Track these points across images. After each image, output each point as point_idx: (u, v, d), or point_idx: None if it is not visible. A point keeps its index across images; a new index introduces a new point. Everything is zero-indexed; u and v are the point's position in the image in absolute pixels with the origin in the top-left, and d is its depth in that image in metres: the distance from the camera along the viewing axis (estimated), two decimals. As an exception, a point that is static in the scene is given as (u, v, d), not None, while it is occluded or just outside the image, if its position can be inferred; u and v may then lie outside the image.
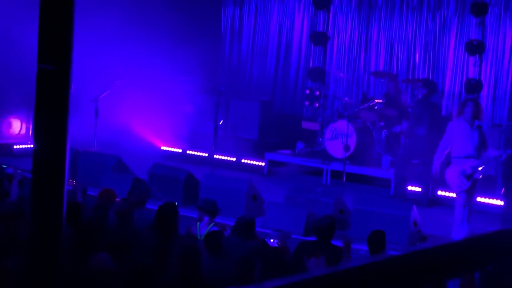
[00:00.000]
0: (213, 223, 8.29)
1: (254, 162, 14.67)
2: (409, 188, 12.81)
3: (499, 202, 11.56)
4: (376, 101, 13.95)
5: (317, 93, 16.00)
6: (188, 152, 15.33)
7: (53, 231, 4.29)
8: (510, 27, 14.48)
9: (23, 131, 15.59)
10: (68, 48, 4.01)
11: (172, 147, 15.54)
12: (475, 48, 14.44)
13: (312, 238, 8.11)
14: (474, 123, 9.82)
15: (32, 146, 4.79)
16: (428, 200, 12.52)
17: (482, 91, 14.54)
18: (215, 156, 13.37)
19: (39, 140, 4.31)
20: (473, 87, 14.41)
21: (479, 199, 11.91)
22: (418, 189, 12.77)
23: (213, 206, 8.52)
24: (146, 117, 15.74)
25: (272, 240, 7.80)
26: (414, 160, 12.80)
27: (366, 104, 14.03)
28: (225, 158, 14.66)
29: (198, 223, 8.40)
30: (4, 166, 11.18)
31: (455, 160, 9.87)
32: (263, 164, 14.54)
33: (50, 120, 4.21)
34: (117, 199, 8.73)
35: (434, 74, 15.30)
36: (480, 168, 9.67)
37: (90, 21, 14.58)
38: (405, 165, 12.70)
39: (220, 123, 14.01)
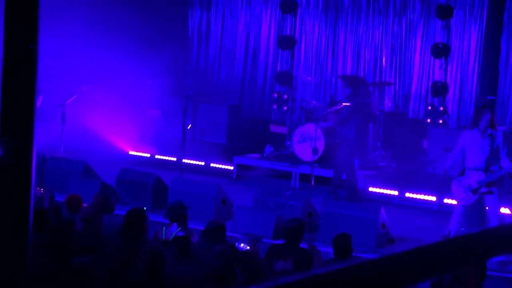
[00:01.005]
0: (179, 229, 8.25)
1: (223, 166, 14.64)
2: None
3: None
4: (343, 104, 14.00)
5: (285, 96, 16.04)
6: (156, 156, 15.26)
7: (21, 237, 4.25)
8: (475, 30, 14.63)
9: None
10: (34, 48, 3.97)
11: (140, 151, 15.46)
12: (441, 51, 14.57)
13: (282, 241, 8.12)
14: (487, 131, 9.42)
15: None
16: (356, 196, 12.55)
17: (448, 94, 14.68)
18: (183, 160, 13.32)
19: (5, 145, 4.27)
20: (439, 89, 14.54)
21: (446, 200, 12.02)
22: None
23: (180, 211, 8.43)
24: (114, 122, 15.65)
25: (242, 245, 7.80)
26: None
27: (333, 107, 14.09)
28: (194, 162, 14.61)
29: (164, 228, 8.35)
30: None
31: (466, 172, 9.61)
32: (231, 168, 14.52)
33: (16, 125, 4.17)
34: (85, 205, 8.68)
35: (401, 77, 15.42)
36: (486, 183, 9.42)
37: (56, 25, 14.49)
38: (340, 169, 12.83)
39: (188, 127, 13.96)
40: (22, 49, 4.07)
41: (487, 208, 9.72)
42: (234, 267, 6.29)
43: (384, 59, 15.57)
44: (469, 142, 9.52)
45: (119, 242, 7.14)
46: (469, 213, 10.29)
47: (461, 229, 9.58)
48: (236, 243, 7.60)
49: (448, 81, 14.69)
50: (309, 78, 16.05)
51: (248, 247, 7.69)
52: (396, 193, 12.79)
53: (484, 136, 9.44)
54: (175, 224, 8.32)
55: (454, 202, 10.28)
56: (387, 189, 12.86)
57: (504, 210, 10.91)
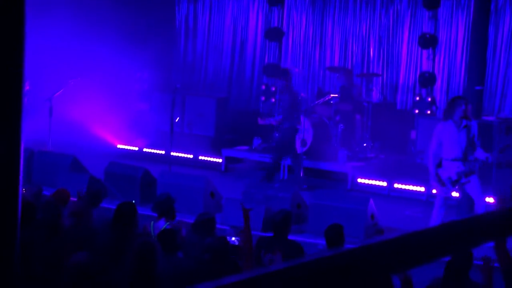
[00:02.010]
0: (168, 223, 8.22)
1: (211, 159, 14.63)
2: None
3: (455, 194, 11.69)
4: (331, 95, 14.01)
5: (273, 88, 16.02)
6: (144, 150, 15.23)
7: (9, 234, 4.22)
8: (462, 20, 14.66)
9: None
10: (21, 42, 3.94)
11: (128, 145, 15.43)
12: (428, 41, 14.59)
13: (270, 234, 8.11)
14: (462, 123, 9.49)
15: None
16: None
17: (436, 84, 14.70)
18: (172, 153, 13.30)
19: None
20: (427, 80, 14.56)
21: (435, 191, 12.04)
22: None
23: (167, 205, 8.38)
24: (102, 115, 15.60)
25: (233, 239, 7.79)
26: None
27: (322, 99, 14.09)
28: (182, 155, 14.60)
29: (152, 222, 8.31)
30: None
31: (444, 163, 9.65)
32: (220, 160, 14.51)
33: (3, 119, 4.14)
34: (72, 199, 8.64)
35: (389, 68, 15.43)
36: (466, 174, 9.49)
37: (42, 19, 14.42)
38: (279, 155, 13.14)
39: (177, 120, 13.94)
40: (7, 43, 4.05)
41: (472, 197, 9.77)
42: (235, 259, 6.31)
43: (371, 50, 15.58)
44: (445, 134, 9.57)
45: (109, 236, 7.12)
46: (457, 203, 10.35)
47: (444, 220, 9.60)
48: (228, 237, 7.59)
49: (435, 71, 14.71)
50: (296, 69, 16.04)
51: (239, 241, 7.67)
52: (384, 184, 12.82)
53: (460, 128, 9.49)
54: (163, 218, 8.28)
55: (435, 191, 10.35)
56: (375, 180, 12.89)
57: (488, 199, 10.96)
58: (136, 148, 15.31)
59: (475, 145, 9.57)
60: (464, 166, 9.51)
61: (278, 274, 1.60)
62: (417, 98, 14.66)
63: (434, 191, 11.18)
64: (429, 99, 14.51)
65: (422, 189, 12.40)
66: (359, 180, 13.02)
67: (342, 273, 1.71)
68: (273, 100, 15.89)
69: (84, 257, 5.72)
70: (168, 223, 8.20)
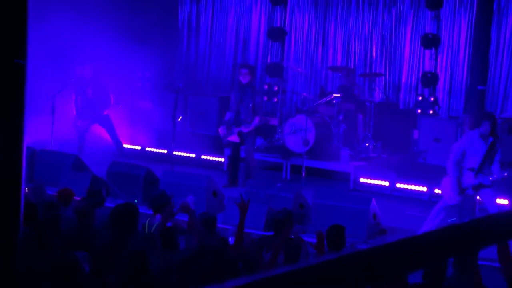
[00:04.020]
0: (164, 219, 8.17)
1: (214, 158, 14.64)
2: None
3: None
4: (334, 95, 14.01)
5: (276, 88, 16.03)
6: (147, 149, 15.24)
7: (11, 232, 4.23)
8: (465, 20, 14.66)
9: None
10: (24, 41, 3.96)
11: (130, 144, 15.43)
12: (431, 41, 14.58)
13: (272, 233, 8.12)
14: (489, 139, 9.45)
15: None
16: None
17: (438, 84, 14.70)
18: (174, 152, 13.31)
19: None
20: (430, 80, 14.56)
21: (437, 191, 12.04)
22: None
23: (161, 200, 8.33)
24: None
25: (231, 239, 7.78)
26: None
27: (324, 99, 14.09)
28: (185, 154, 14.61)
29: (148, 220, 8.30)
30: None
31: (461, 171, 9.61)
32: (222, 160, 14.51)
33: (6, 118, 4.15)
34: (76, 198, 8.64)
35: (391, 67, 15.43)
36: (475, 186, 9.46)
37: (44, 18, 14.43)
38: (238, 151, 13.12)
39: (179, 120, 13.94)
40: (10, 43, 4.05)
41: (484, 202, 9.73)
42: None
43: (374, 50, 15.58)
44: (470, 145, 9.49)
45: (107, 236, 7.11)
46: (460, 205, 10.32)
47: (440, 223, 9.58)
48: (230, 238, 7.60)
49: (438, 71, 14.70)
50: (299, 69, 16.05)
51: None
52: (387, 183, 12.82)
53: (486, 142, 9.44)
54: (158, 216, 8.24)
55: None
56: (378, 179, 12.89)
57: (501, 201, 10.91)
58: (139, 147, 15.32)
59: (493, 161, 9.47)
60: (475, 178, 9.45)
61: (282, 277, 1.60)
62: (420, 98, 14.65)
63: (439, 191, 11.17)
64: (432, 99, 14.50)
65: (425, 189, 12.40)
66: (362, 179, 13.02)
67: (347, 276, 1.71)
68: (276, 99, 15.90)
69: (71, 256, 5.73)
70: (164, 219, 8.14)
